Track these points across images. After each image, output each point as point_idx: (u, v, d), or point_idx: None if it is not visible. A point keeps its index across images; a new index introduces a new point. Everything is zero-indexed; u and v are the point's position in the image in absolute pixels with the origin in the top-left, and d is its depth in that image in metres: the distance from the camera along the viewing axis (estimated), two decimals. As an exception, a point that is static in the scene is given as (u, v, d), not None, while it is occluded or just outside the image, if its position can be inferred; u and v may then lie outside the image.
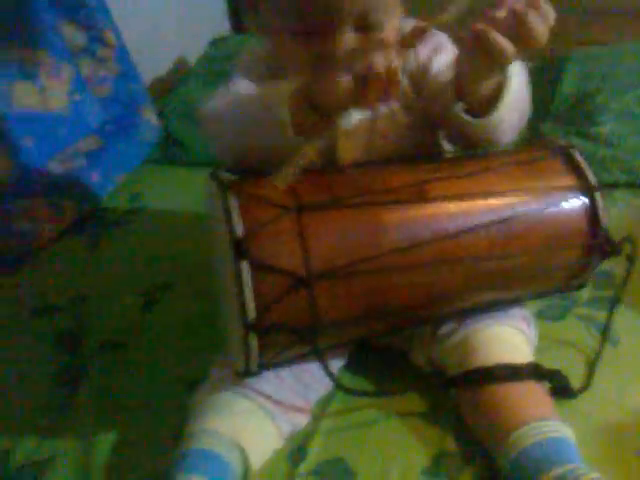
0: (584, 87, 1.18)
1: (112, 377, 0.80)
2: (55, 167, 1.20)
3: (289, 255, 0.57)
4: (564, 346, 0.74)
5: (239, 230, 0.55)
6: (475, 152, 0.69)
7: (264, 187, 0.58)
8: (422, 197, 0.62)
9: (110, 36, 1.29)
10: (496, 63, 0.56)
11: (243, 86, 0.70)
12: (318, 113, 0.57)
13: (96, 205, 1.23)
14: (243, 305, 0.54)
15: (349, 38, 0.61)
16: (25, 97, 1.16)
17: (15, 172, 1.13)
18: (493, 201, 0.64)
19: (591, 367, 0.69)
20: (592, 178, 0.65)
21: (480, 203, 0.63)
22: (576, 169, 0.66)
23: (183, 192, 1.23)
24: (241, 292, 0.54)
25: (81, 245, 1.12)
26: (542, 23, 0.53)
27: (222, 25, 1.86)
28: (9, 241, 1.10)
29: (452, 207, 0.63)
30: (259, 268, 0.55)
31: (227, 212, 0.56)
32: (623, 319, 0.73)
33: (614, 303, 0.69)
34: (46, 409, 0.77)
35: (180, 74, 1.67)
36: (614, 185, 1.01)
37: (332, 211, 0.60)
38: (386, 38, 0.62)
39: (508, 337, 0.67)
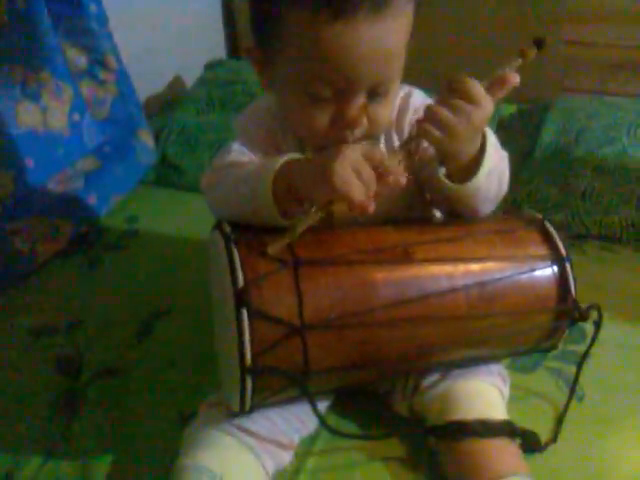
0: (563, 138, 1.22)
1: (109, 405, 0.83)
2: (54, 187, 1.22)
3: (285, 305, 0.61)
4: (533, 397, 0.79)
5: (240, 280, 0.60)
6: (458, 219, 0.74)
7: (263, 241, 0.63)
8: (408, 258, 0.67)
9: (111, 60, 1.31)
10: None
11: (240, 157, 0.72)
12: (301, 205, 0.62)
13: (92, 226, 1.25)
14: (241, 350, 0.58)
15: (360, 103, 0.65)
16: (28, 117, 1.18)
17: (16, 192, 1.15)
18: (472, 266, 0.68)
19: (558, 422, 0.74)
20: (563, 249, 0.71)
21: (460, 267, 0.68)
22: (549, 240, 0.71)
23: (178, 215, 1.27)
24: (240, 338, 0.58)
25: (77, 267, 1.14)
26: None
27: (219, 45, 1.89)
28: (6, 261, 1.12)
29: (435, 269, 0.67)
30: (257, 316, 0.59)
31: (230, 263, 0.61)
32: (589, 374, 0.77)
33: (581, 364, 0.73)
34: (46, 434, 0.80)
35: (175, 92, 1.69)
36: (585, 236, 1.06)
37: (326, 267, 0.64)
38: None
39: (486, 393, 0.71)
